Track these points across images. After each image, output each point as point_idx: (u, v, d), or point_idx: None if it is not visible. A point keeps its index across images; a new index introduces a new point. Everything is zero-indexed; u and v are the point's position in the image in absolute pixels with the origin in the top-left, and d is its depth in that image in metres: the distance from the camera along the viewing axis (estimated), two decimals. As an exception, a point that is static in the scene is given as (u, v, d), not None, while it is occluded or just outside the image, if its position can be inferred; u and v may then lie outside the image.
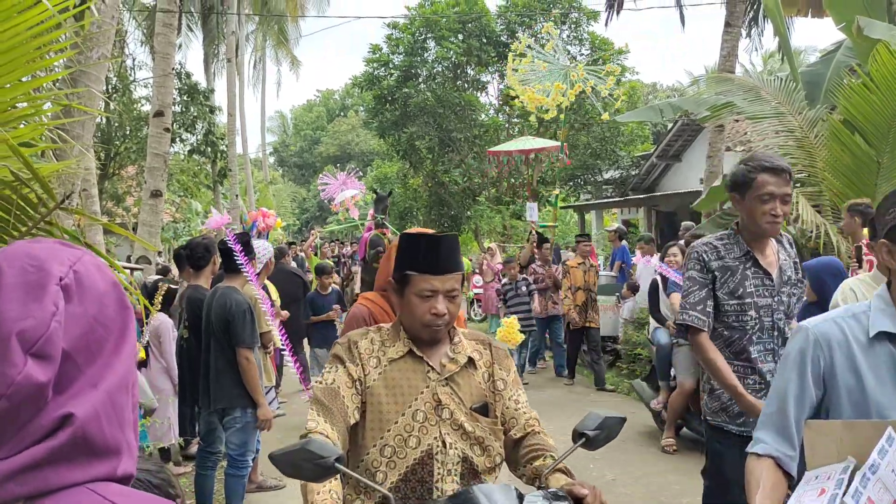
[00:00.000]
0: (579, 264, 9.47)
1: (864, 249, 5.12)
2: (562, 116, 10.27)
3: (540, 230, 10.93)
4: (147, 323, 5.76)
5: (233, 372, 4.37)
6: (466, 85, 23.46)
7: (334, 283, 9.45)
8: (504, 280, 10.41)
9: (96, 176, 12.34)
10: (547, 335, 10.34)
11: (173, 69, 9.65)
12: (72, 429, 0.83)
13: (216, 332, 4.41)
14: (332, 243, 12.46)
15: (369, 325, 2.59)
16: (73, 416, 0.84)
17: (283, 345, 5.28)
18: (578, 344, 9.46)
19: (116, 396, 0.90)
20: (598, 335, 9.31)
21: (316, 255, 10.94)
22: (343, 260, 17.65)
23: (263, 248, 5.31)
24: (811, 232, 7.21)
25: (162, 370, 5.83)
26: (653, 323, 7.12)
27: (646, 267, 9.02)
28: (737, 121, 8.95)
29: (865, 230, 5.87)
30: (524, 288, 9.91)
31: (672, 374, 6.69)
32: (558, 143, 11.00)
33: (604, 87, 9.38)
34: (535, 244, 10.19)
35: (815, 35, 44.43)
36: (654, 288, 7.09)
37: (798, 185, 7.89)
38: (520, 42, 9.94)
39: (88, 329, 0.88)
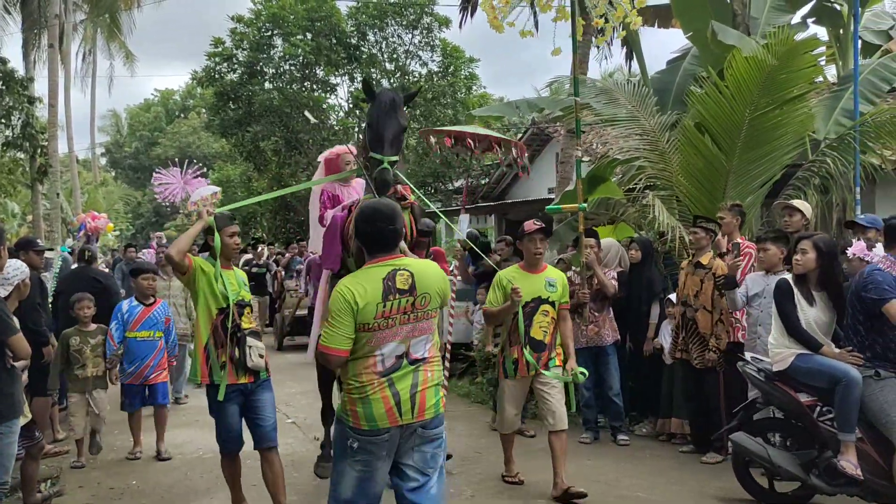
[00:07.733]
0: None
1: (742, 245, 5.24)
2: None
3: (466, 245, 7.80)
4: None
5: None
6: (315, 86, 22.62)
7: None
8: None
9: None
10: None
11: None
12: None
13: None
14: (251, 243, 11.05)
15: None
16: None
17: None
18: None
19: None
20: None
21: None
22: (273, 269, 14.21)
23: (14, 269, 4.45)
24: (665, 234, 7.17)
25: None
26: (787, 347, 4.79)
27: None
28: (584, 132, 8.75)
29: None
30: None
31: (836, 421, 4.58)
32: (515, 140, 7.74)
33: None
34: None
35: (654, 46, 46.44)
36: (785, 293, 4.82)
37: (651, 187, 7.89)
38: None
39: None
